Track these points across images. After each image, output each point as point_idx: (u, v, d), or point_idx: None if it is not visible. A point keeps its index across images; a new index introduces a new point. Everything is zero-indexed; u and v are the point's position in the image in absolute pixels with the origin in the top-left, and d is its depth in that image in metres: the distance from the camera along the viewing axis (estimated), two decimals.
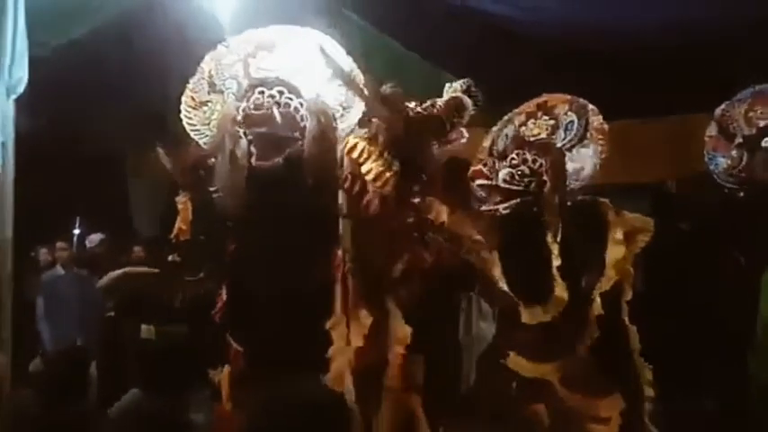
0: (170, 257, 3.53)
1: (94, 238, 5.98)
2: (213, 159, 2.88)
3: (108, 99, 5.47)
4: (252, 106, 2.60)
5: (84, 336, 5.01)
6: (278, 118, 2.57)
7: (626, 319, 2.74)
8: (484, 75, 2.85)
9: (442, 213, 2.47)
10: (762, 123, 3.27)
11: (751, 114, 3.32)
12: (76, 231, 6.57)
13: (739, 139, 3.35)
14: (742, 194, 3.40)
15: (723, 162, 3.45)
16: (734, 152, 3.38)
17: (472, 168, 2.93)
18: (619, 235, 2.73)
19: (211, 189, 3.09)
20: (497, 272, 2.74)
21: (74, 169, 6.35)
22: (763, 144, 3.23)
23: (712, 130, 3.50)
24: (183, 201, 3.35)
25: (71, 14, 4.27)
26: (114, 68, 4.99)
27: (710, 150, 3.51)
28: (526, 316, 2.68)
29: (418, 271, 2.47)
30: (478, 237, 2.49)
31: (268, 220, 2.55)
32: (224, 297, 2.73)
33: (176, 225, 3.36)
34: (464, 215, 2.48)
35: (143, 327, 3.50)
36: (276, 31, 2.74)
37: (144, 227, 6.79)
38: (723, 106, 3.46)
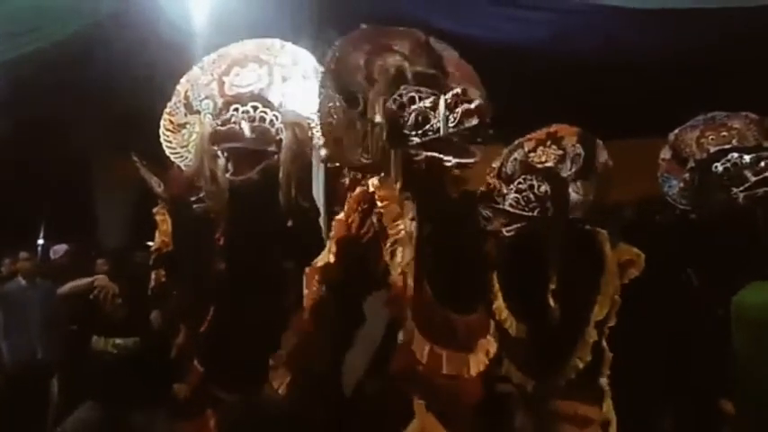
0: (153, 273, 3.36)
1: (59, 249, 5.86)
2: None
3: (76, 104, 5.42)
4: (219, 122, 2.59)
5: (45, 349, 4.86)
6: (247, 132, 2.55)
7: (605, 344, 2.84)
8: None
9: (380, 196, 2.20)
10: (712, 149, 3.40)
11: (702, 140, 3.45)
12: (41, 241, 6.47)
13: (691, 164, 3.47)
14: (694, 216, 3.52)
15: (676, 184, 3.58)
16: (686, 175, 3.49)
17: (480, 189, 3.02)
18: (614, 266, 2.84)
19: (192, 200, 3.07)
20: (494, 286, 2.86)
21: (39, 176, 6.26)
22: (714, 169, 3.34)
23: (666, 153, 3.64)
24: (161, 212, 3.29)
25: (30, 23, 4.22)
26: (83, 73, 4.95)
27: (664, 173, 3.65)
28: (516, 330, 2.82)
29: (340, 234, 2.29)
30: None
31: (249, 236, 2.53)
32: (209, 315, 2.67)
33: (157, 238, 3.30)
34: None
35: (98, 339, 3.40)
36: (248, 45, 2.74)
37: (110, 237, 6.72)
38: (676, 131, 3.59)
